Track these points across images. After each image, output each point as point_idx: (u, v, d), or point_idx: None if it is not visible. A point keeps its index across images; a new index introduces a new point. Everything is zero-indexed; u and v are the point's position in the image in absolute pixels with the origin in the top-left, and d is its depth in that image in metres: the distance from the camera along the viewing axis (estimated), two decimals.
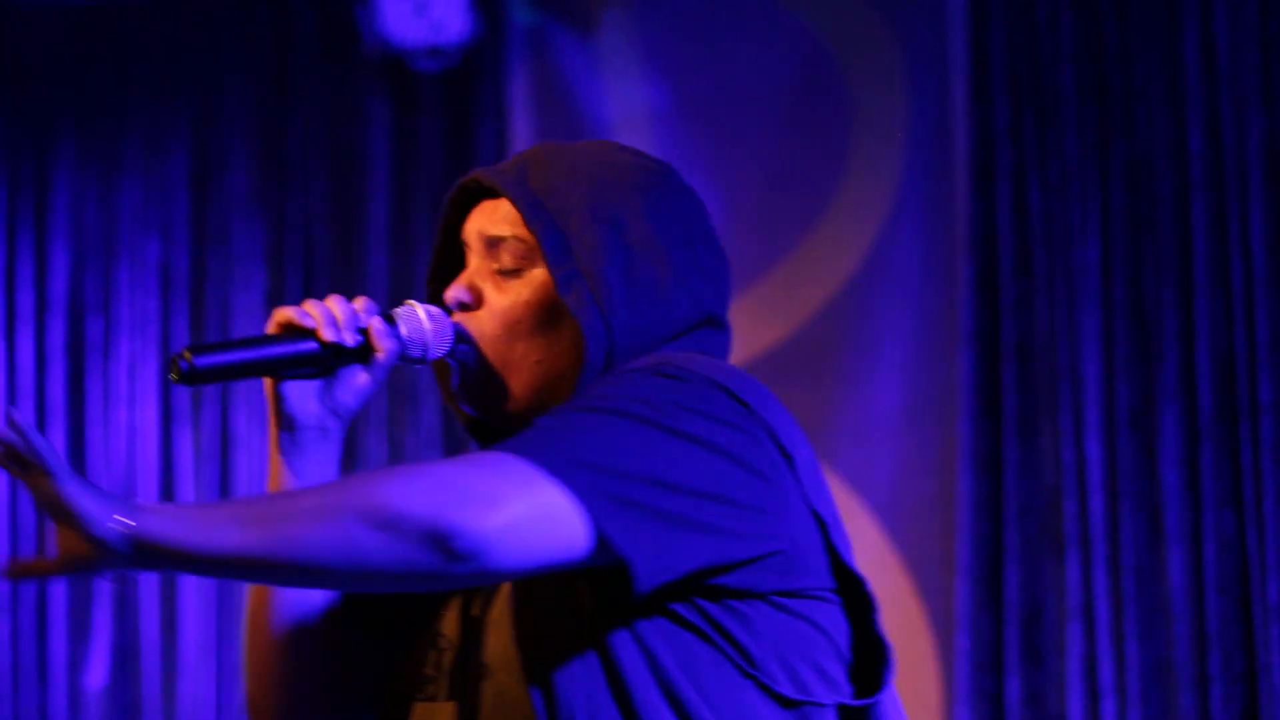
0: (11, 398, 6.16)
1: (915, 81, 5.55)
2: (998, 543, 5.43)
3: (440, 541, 2.06)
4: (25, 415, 2.08)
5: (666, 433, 2.17)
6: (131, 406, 6.09)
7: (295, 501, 2.15)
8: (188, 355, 2.27)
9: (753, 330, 5.42)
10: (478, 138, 5.94)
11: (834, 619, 2.28)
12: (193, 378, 2.28)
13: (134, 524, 2.06)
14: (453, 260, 2.45)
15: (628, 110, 5.73)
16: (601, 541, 2.11)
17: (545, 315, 2.35)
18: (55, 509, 2.06)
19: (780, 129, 5.66)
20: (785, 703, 2.24)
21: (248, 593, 2.44)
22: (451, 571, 2.09)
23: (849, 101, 5.63)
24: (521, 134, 5.85)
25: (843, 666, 2.29)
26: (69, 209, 6.21)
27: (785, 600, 2.24)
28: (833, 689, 2.27)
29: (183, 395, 6.05)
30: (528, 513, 2.10)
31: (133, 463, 6.10)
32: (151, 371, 6.10)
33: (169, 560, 2.08)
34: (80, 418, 6.19)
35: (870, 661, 2.31)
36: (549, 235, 2.33)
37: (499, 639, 2.29)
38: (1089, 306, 5.41)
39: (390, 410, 6.05)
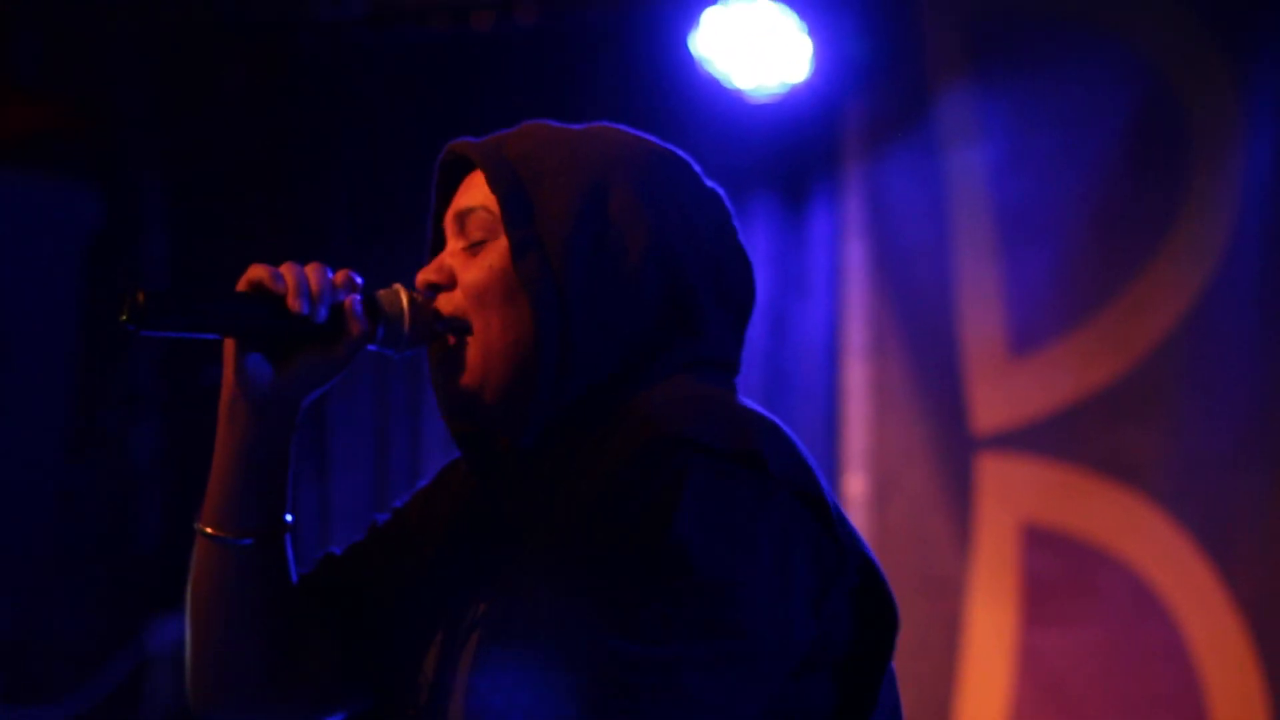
0: None
1: (1254, 119, 5.48)
2: None
3: None
4: None
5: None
6: None
7: None
8: (141, 298, 2.05)
9: (1084, 370, 5.37)
10: None
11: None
12: (143, 322, 2.06)
13: None
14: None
15: (960, 120, 5.70)
16: None
17: (515, 284, 2.11)
18: None
19: (1115, 164, 5.62)
20: None
21: (196, 564, 2.24)
22: None
23: (1186, 138, 5.57)
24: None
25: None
26: None
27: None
28: None
29: None
30: None
31: None
32: None
33: None
34: None
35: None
36: (511, 198, 2.11)
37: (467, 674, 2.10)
38: None
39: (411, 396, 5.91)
